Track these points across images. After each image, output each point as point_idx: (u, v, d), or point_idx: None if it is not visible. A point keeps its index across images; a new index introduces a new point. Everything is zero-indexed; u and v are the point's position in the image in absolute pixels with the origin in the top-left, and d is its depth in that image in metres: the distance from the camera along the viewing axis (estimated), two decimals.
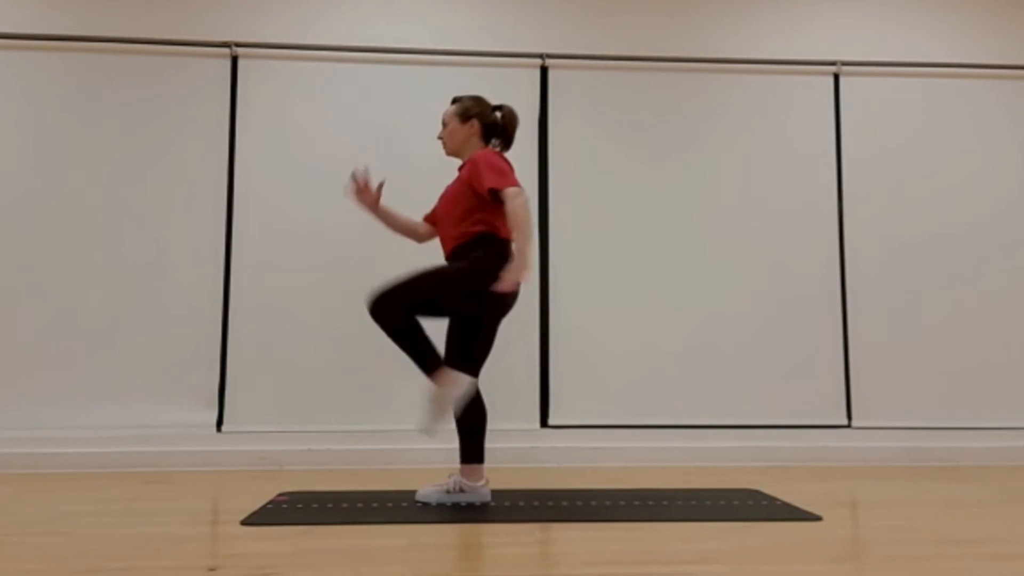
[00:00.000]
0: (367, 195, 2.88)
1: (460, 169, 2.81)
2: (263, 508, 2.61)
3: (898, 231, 4.06)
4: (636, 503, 2.72)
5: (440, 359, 2.61)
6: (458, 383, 2.57)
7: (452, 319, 2.77)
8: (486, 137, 2.83)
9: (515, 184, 2.60)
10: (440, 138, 2.85)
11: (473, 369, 2.73)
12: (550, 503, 2.72)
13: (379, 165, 3.89)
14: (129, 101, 3.85)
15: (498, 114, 2.84)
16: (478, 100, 2.83)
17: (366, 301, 2.59)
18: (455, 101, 2.84)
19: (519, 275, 2.52)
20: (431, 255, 2.88)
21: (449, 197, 2.75)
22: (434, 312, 2.67)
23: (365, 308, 2.64)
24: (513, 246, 2.60)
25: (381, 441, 3.71)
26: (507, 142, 2.86)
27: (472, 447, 2.73)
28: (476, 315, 2.70)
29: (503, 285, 2.51)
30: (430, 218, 2.98)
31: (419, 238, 3.01)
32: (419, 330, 2.59)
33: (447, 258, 2.75)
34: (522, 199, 2.56)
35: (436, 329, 2.72)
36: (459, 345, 2.73)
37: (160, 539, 2.15)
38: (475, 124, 2.79)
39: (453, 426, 2.75)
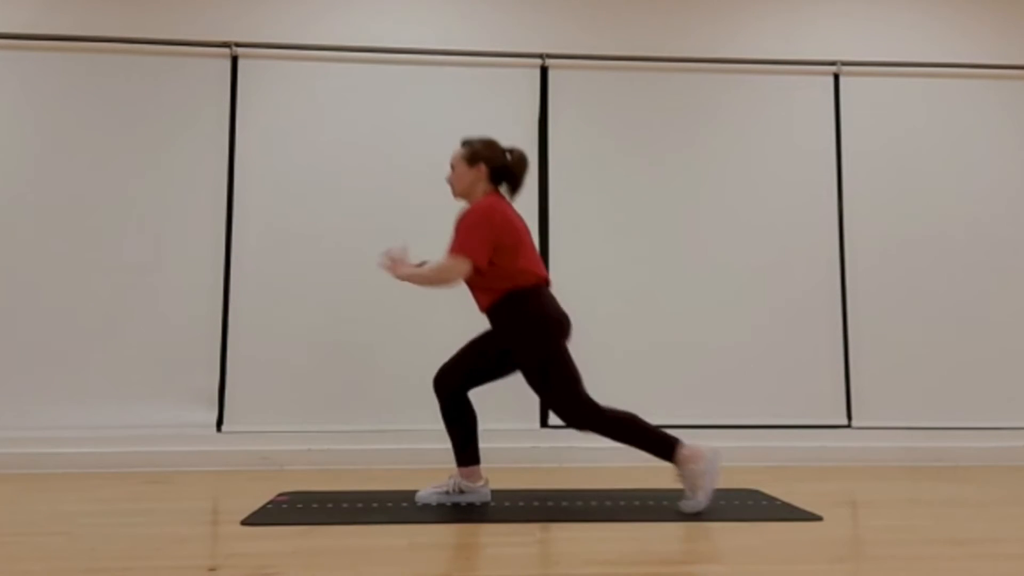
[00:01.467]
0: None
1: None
2: (263, 508, 2.61)
3: (898, 231, 4.06)
4: (636, 503, 2.72)
5: (675, 439, 2.60)
6: (701, 456, 2.57)
7: (490, 346, 2.74)
8: (495, 180, 2.77)
9: (464, 253, 2.57)
10: (449, 181, 2.81)
11: (471, 385, 2.73)
12: (550, 503, 2.72)
13: (379, 165, 3.90)
14: (129, 101, 3.85)
15: (508, 156, 2.77)
16: (488, 143, 2.77)
17: (567, 420, 2.60)
18: (465, 144, 2.79)
19: (391, 269, 2.63)
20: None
21: None
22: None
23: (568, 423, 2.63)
24: (420, 267, 2.64)
25: (381, 441, 3.71)
26: (515, 187, 2.80)
27: (466, 450, 2.72)
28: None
29: (384, 261, 2.64)
30: None
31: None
32: (627, 417, 2.62)
33: (485, 311, 2.70)
34: (448, 273, 2.58)
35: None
36: (478, 364, 2.73)
37: (160, 539, 2.15)
38: (483, 168, 2.73)
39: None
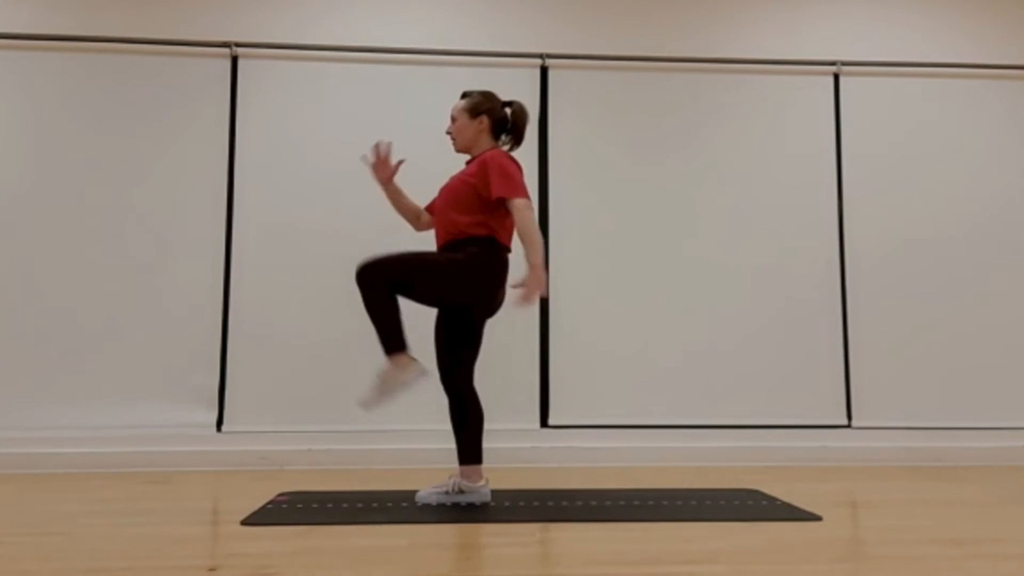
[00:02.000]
0: (384, 169, 2.86)
1: (468, 164, 2.80)
2: (263, 508, 2.61)
3: (898, 231, 4.06)
4: (636, 503, 2.72)
5: (404, 344, 2.59)
6: (410, 369, 2.57)
7: (439, 318, 2.76)
8: (496, 133, 2.80)
9: (525, 195, 2.61)
10: (449, 133, 2.82)
11: (460, 369, 2.72)
12: (550, 503, 2.72)
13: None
14: (129, 101, 3.85)
15: (508, 110, 2.81)
16: (488, 96, 2.80)
17: (357, 266, 2.58)
18: (464, 96, 2.82)
19: (538, 289, 2.53)
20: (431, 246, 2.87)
21: (451, 191, 2.72)
22: (419, 297, 2.67)
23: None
24: (523, 258, 2.58)
25: (381, 441, 3.71)
26: (517, 139, 2.83)
27: (469, 448, 2.72)
28: (459, 310, 2.69)
29: (524, 301, 2.52)
30: (431, 208, 2.97)
31: (419, 225, 3.01)
32: (396, 308, 2.59)
33: (440, 249, 2.74)
34: (531, 213, 2.58)
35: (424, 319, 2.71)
36: (445, 342, 2.73)
37: (160, 539, 2.15)
38: (484, 120, 2.76)
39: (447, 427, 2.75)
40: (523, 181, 2.66)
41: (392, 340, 2.58)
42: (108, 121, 3.83)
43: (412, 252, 2.63)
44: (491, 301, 2.69)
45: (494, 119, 2.78)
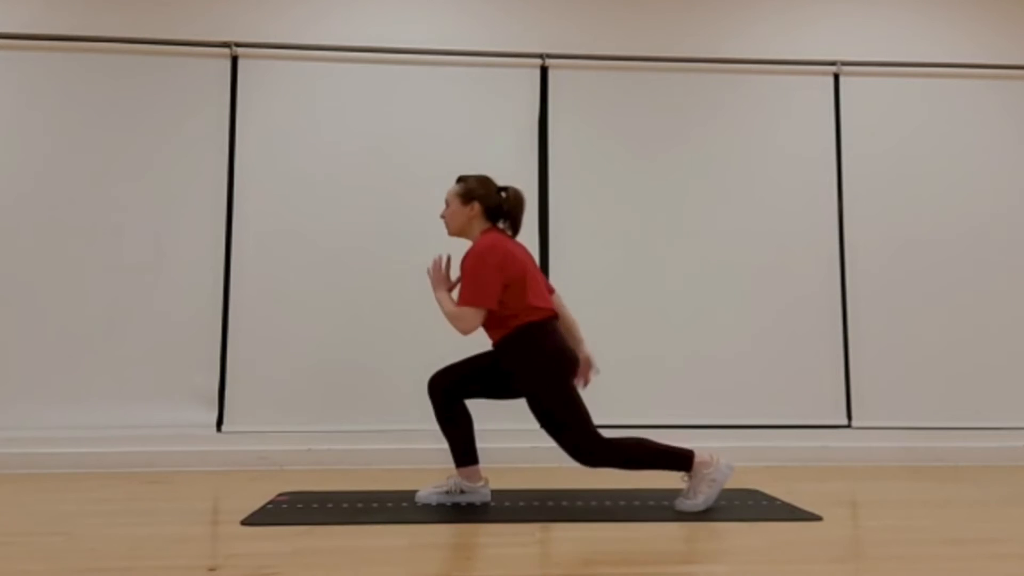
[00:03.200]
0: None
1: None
2: (263, 508, 2.61)
3: (898, 231, 4.06)
4: (636, 503, 2.72)
5: (690, 450, 2.62)
6: (714, 463, 2.61)
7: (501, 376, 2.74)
8: (491, 218, 2.75)
9: (475, 303, 2.57)
10: (443, 217, 2.79)
11: (468, 395, 2.76)
12: (550, 503, 2.72)
13: (379, 165, 3.89)
14: (129, 101, 3.84)
15: (503, 195, 2.75)
16: (482, 181, 2.75)
17: (580, 460, 2.61)
18: (460, 180, 2.77)
19: (439, 286, 2.70)
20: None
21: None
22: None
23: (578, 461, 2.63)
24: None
25: (381, 441, 3.71)
26: (515, 227, 2.77)
27: (464, 452, 2.72)
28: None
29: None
30: None
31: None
32: (637, 443, 2.61)
33: (495, 345, 2.70)
34: (463, 323, 2.59)
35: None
36: (485, 384, 2.76)
37: (160, 539, 2.15)
38: (476, 206, 2.71)
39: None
40: (488, 285, 2.57)
41: (680, 458, 2.63)
42: (108, 121, 3.83)
43: (562, 409, 2.62)
44: (569, 363, 2.66)
45: (486, 205, 2.72)
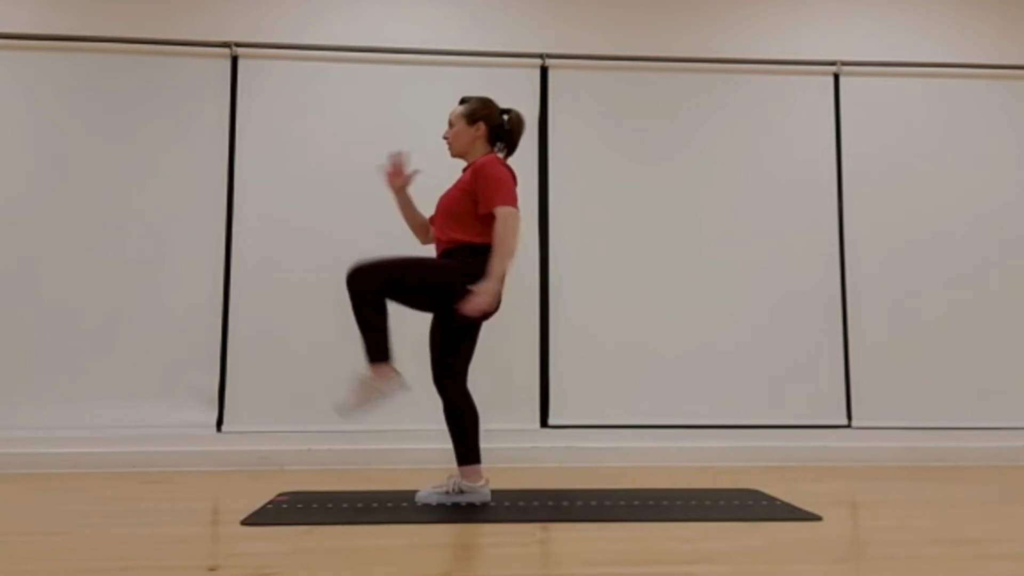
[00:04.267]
0: (398, 177, 2.87)
1: (464, 172, 2.80)
2: (263, 508, 2.61)
3: (898, 231, 4.06)
4: (636, 503, 2.72)
5: (389, 354, 2.57)
6: (392, 381, 2.56)
7: (435, 322, 2.76)
8: (492, 141, 2.81)
9: (513, 203, 2.60)
10: (446, 138, 2.83)
11: (454, 371, 2.72)
12: (550, 503, 2.72)
13: (379, 165, 3.89)
14: (129, 101, 3.85)
15: (506, 118, 2.82)
16: (486, 102, 2.81)
17: (348, 269, 2.56)
18: (463, 101, 2.82)
19: (483, 299, 2.51)
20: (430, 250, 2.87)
21: (447, 201, 2.74)
22: (412, 303, 2.67)
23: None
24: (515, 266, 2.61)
25: (381, 441, 3.71)
26: (511, 148, 2.84)
27: (467, 449, 2.71)
28: (449, 317, 2.67)
29: (467, 308, 2.50)
30: (432, 219, 2.98)
31: (425, 238, 3.00)
32: (384, 316, 2.57)
33: (450, 247, 2.72)
34: (512, 221, 2.57)
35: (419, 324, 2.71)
36: (440, 346, 2.73)
37: (160, 539, 2.15)
38: (482, 127, 2.77)
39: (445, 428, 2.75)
40: (515, 189, 2.65)
41: (377, 349, 2.56)
42: (108, 121, 3.83)
43: (406, 257, 2.63)
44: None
45: (491, 126, 2.79)
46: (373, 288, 2.54)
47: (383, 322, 2.57)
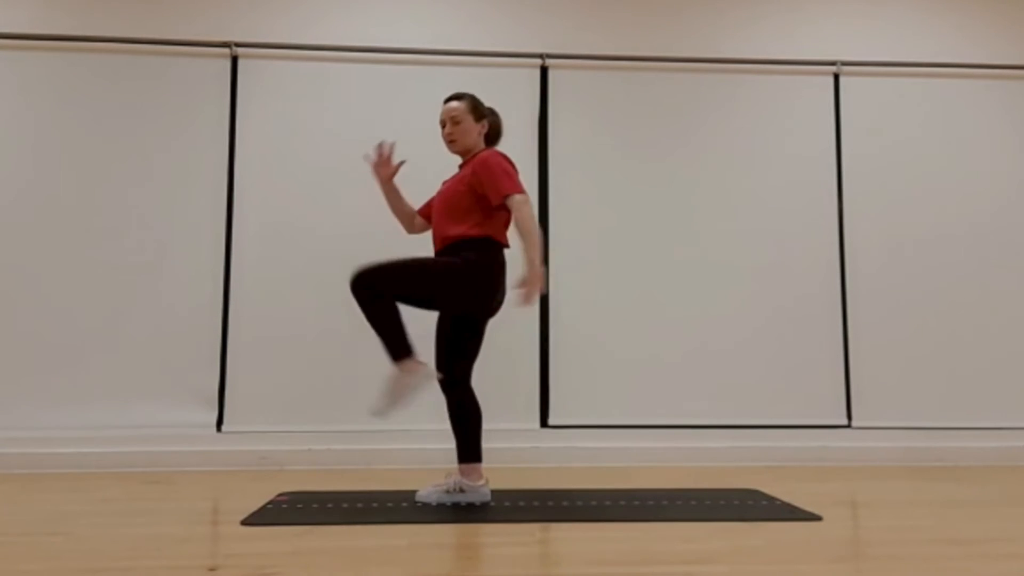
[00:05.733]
0: (385, 168, 2.89)
1: (461, 167, 2.80)
2: (263, 508, 2.61)
3: (898, 231, 4.06)
4: (636, 503, 2.72)
5: (411, 349, 2.57)
6: (419, 373, 2.56)
7: (441, 319, 2.77)
8: (487, 140, 2.86)
9: (520, 190, 2.62)
10: (448, 136, 2.79)
11: (461, 368, 2.73)
12: (550, 503, 2.72)
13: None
14: (129, 101, 3.85)
15: (495, 117, 2.89)
16: (481, 102, 2.84)
17: (350, 275, 2.57)
18: (457, 98, 2.80)
19: (536, 288, 2.52)
20: (431, 250, 2.87)
21: (447, 196, 2.73)
22: (417, 303, 2.66)
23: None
24: (521, 255, 2.57)
25: (382, 441, 3.71)
26: (493, 144, 2.90)
27: (469, 447, 2.72)
28: (460, 314, 2.70)
29: (525, 300, 2.52)
30: (424, 212, 2.99)
31: (412, 228, 3.01)
32: (396, 313, 2.57)
33: (437, 254, 2.75)
34: (527, 207, 2.59)
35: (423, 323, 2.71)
36: (446, 343, 2.74)
37: (160, 539, 2.15)
38: (485, 124, 2.81)
39: (448, 426, 2.75)
40: (519, 178, 2.68)
41: (397, 346, 2.56)
42: (108, 121, 3.83)
43: (408, 259, 2.63)
44: (491, 302, 2.69)
45: (491, 123, 2.84)
46: (378, 291, 2.54)
47: (396, 319, 2.57)
